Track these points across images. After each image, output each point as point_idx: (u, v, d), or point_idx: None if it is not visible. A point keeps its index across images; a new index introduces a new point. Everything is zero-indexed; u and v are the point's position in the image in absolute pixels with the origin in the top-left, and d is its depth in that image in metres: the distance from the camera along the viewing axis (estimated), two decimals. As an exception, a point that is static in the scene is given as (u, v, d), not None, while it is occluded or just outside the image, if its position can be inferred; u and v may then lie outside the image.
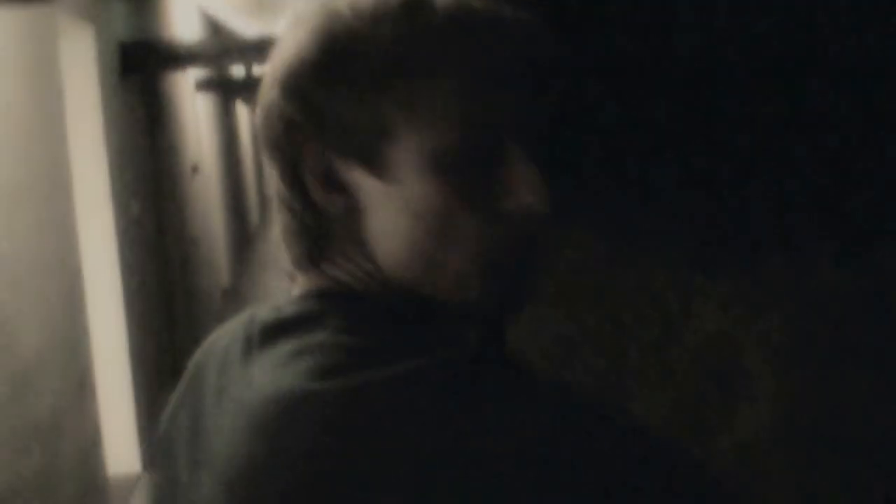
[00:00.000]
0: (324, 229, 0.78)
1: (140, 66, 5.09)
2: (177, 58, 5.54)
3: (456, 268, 0.74)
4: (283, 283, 7.73)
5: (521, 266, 0.74)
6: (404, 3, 0.73)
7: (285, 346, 0.74)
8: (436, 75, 0.72)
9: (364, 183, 0.75)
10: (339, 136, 0.75)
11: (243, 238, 12.90)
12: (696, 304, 1.57)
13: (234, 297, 9.51)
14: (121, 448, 4.61)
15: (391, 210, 0.74)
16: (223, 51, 5.83)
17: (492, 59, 0.72)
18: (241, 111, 14.48)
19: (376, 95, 0.73)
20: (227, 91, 10.78)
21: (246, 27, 11.90)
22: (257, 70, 11.04)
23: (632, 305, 1.59)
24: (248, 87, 11.50)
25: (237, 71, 12.54)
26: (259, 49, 5.76)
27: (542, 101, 0.74)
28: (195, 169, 8.08)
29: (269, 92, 0.78)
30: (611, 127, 1.57)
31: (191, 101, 8.17)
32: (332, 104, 0.74)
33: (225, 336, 0.84)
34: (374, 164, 0.74)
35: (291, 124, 0.76)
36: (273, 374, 0.73)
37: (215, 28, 10.77)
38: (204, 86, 8.97)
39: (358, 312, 0.77)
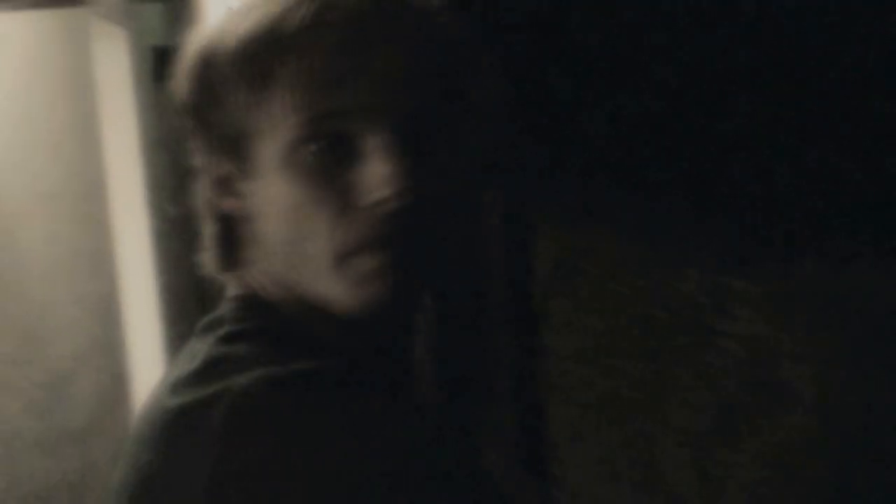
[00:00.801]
0: (229, 234, 0.76)
1: (173, 70, 5.10)
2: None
3: (318, 265, 0.69)
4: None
5: (392, 263, 0.69)
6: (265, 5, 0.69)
7: (186, 350, 0.76)
8: (278, 74, 0.68)
9: (247, 186, 0.73)
10: (215, 140, 0.73)
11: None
12: (731, 306, 1.54)
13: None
14: (156, 449, 4.62)
15: (266, 211, 0.72)
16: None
17: (332, 54, 0.67)
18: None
19: (233, 97, 0.69)
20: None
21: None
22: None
23: (665, 309, 1.57)
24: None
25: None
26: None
27: (411, 92, 0.68)
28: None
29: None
30: (641, 129, 1.55)
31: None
32: (200, 109, 0.72)
33: None
34: (245, 165, 0.72)
35: (189, 133, 0.76)
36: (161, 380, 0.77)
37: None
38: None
39: (246, 320, 0.76)
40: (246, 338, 0.74)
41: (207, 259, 0.78)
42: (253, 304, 0.78)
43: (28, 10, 2.32)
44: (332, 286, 0.70)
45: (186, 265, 5.55)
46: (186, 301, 5.91)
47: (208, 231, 0.77)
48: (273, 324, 0.76)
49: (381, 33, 0.67)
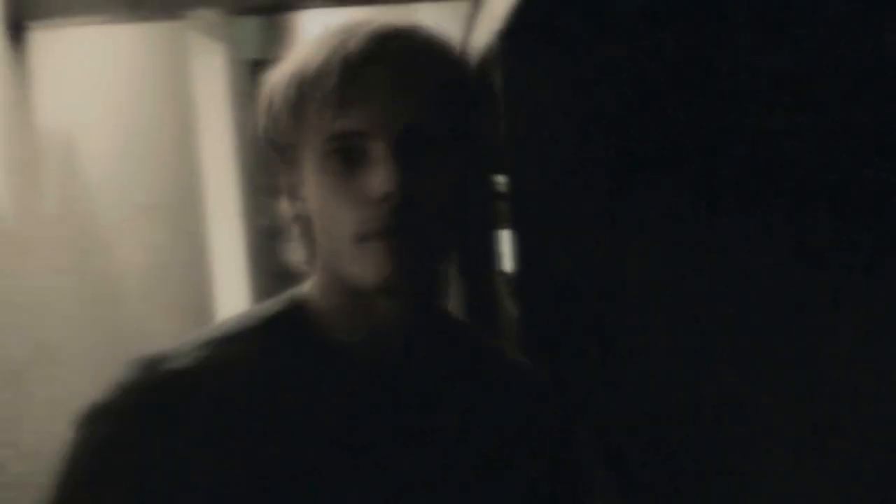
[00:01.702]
0: (303, 234, 0.96)
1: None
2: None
3: (343, 247, 0.89)
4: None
5: (397, 247, 0.87)
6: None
7: None
8: (309, 102, 0.88)
9: (304, 191, 0.92)
10: (280, 154, 0.93)
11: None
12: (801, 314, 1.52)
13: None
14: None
15: (312, 209, 0.91)
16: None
17: (344, 87, 0.86)
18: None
19: (284, 119, 0.91)
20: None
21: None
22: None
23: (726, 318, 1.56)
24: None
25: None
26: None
27: (404, 115, 0.86)
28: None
29: None
30: (701, 136, 1.53)
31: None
32: (268, 128, 0.93)
33: None
34: (300, 173, 0.92)
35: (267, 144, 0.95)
36: None
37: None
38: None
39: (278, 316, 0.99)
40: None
41: (294, 259, 0.99)
42: (293, 303, 1.00)
43: (128, 24, 2.36)
44: (354, 264, 0.89)
45: (279, 274, 5.59)
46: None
47: (290, 234, 0.98)
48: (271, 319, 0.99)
49: (376, 69, 0.87)
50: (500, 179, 5.66)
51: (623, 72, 1.94)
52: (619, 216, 2.03)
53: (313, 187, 0.90)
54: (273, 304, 1.01)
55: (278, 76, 0.91)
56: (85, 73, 2.54)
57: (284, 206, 0.95)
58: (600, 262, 2.19)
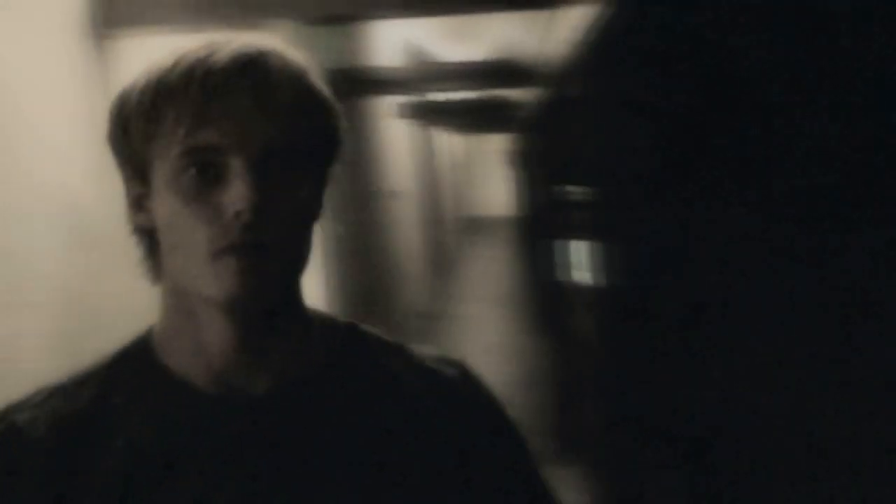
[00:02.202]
0: (149, 246, 0.94)
1: (345, 92, 5.22)
2: (380, 84, 5.64)
3: (197, 264, 0.88)
4: (475, 306, 7.79)
5: (250, 263, 0.87)
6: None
7: None
8: (164, 116, 0.87)
9: (151, 204, 0.91)
10: (128, 166, 0.92)
11: (443, 261, 13.05)
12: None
13: (431, 320, 9.58)
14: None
15: (161, 223, 0.91)
16: (425, 77, 5.88)
17: (201, 101, 0.85)
18: (441, 136, 14.72)
19: (136, 132, 0.89)
20: (426, 116, 10.94)
21: (447, 53, 12.07)
22: (457, 95, 11.17)
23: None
24: (447, 113, 11.64)
25: (437, 96, 12.76)
26: (460, 74, 5.78)
27: (261, 132, 0.86)
28: (394, 194, 8.23)
29: None
30: (787, 146, 1.49)
31: (391, 126, 8.34)
32: (117, 141, 0.92)
33: None
34: (149, 187, 0.91)
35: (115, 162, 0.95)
36: None
37: (417, 54, 10.96)
38: (405, 111, 9.12)
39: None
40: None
41: (142, 272, 0.97)
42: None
43: (207, 33, 2.40)
44: (208, 281, 0.88)
45: (353, 285, 5.63)
46: (354, 316, 6.03)
47: (136, 246, 0.96)
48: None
49: (239, 86, 0.87)
50: (573, 189, 5.61)
51: (703, 80, 1.91)
52: (700, 225, 2.00)
53: (163, 201, 0.89)
54: (126, 342, 1.00)
55: (132, 84, 0.90)
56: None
57: (129, 219, 0.94)
58: (679, 271, 2.15)
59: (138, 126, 0.89)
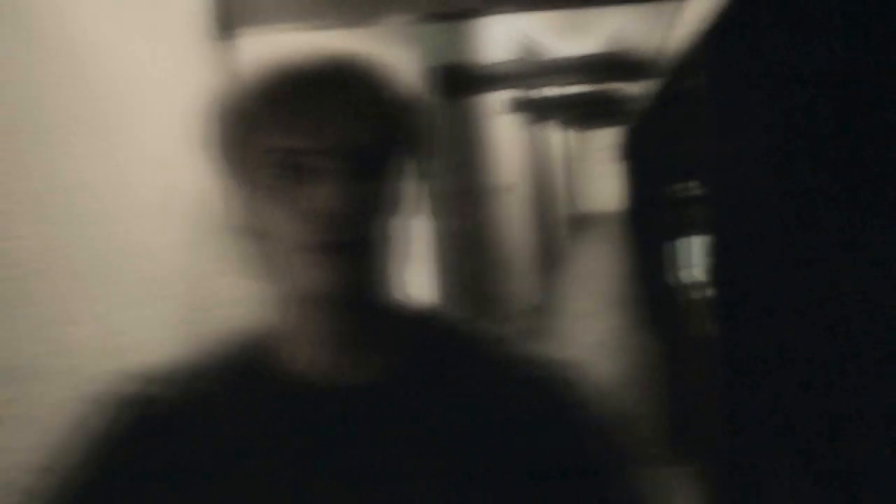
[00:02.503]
0: (251, 247, 0.98)
1: (459, 88, 5.23)
2: (493, 80, 5.64)
3: (290, 258, 0.93)
4: (584, 302, 7.72)
5: (339, 259, 0.91)
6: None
7: None
8: (260, 121, 0.93)
9: (252, 205, 0.96)
10: (229, 168, 0.97)
11: (552, 257, 13.01)
12: None
13: (542, 314, 9.58)
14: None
15: (262, 222, 0.95)
16: (537, 72, 5.86)
17: (289, 108, 0.92)
18: (552, 132, 14.65)
19: (236, 136, 0.95)
20: (538, 111, 10.91)
21: (559, 47, 12.00)
22: (569, 90, 11.10)
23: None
24: (559, 107, 11.58)
25: (548, 91, 12.70)
26: (572, 69, 5.74)
27: (348, 134, 0.91)
28: (508, 188, 8.22)
29: None
30: None
31: (502, 122, 8.34)
32: (219, 145, 0.98)
33: None
34: (248, 188, 0.95)
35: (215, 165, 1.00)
36: None
37: (529, 49, 10.94)
38: (517, 106, 9.11)
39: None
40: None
41: (244, 271, 1.02)
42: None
43: (329, 30, 2.43)
44: (301, 277, 0.93)
45: (465, 279, 5.65)
46: (462, 311, 6.07)
47: (237, 245, 1.01)
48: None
49: (326, 92, 0.93)
50: (686, 185, 5.51)
51: (827, 73, 1.86)
52: (822, 223, 1.95)
53: (260, 201, 0.95)
54: (243, 332, 1.06)
55: (231, 92, 0.97)
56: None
57: (237, 220, 0.99)
58: (799, 269, 2.10)
59: (234, 130, 0.96)
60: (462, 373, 1.01)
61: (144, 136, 1.82)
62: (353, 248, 0.92)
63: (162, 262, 1.84)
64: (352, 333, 0.98)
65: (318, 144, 0.91)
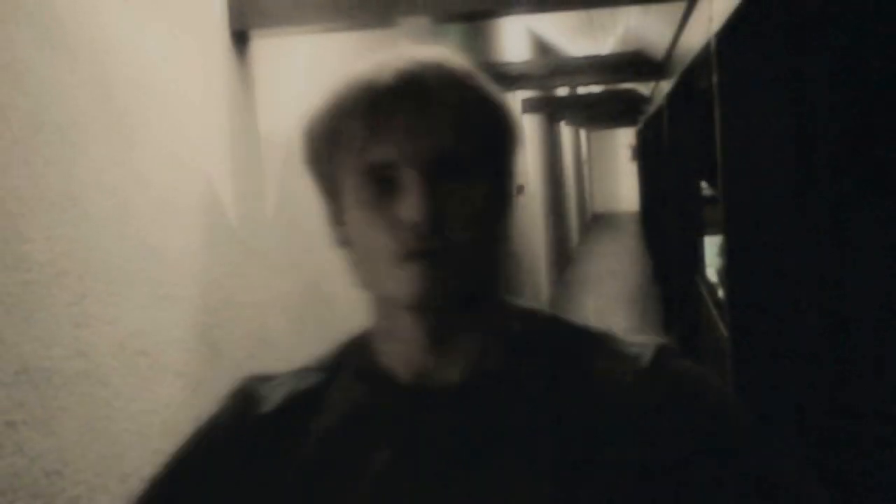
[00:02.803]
0: (350, 258, 1.01)
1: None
2: (507, 79, 5.63)
3: (383, 268, 0.95)
4: (600, 302, 7.73)
5: (430, 268, 0.93)
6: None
7: None
8: (346, 137, 0.94)
9: (346, 217, 0.99)
10: (322, 184, 1.00)
11: (563, 257, 12.99)
12: None
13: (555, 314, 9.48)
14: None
15: (354, 234, 0.98)
16: (552, 72, 5.85)
17: (374, 123, 0.92)
18: (564, 131, 14.64)
19: (324, 152, 0.97)
20: (552, 111, 10.91)
21: (574, 47, 12.01)
22: (582, 90, 11.09)
23: None
24: (572, 107, 11.57)
25: (563, 91, 12.70)
26: (586, 69, 5.72)
27: (431, 145, 0.92)
28: (520, 189, 8.21)
29: None
30: None
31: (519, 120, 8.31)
32: (310, 162, 1.00)
33: None
34: (340, 201, 0.98)
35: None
36: None
37: (544, 49, 10.93)
38: (530, 106, 9.11)
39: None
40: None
41: (351, 279, 1.03)
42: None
43: (343, 31, 2.44)
44: (393, 286, 0.95)
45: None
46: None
47: (344, 257, 1.03)
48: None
49: (404, 103, 0.92)
50: (706, 185, 5.48)
51: (844, 72, 1.85)
52: (838, 222, 1.94)
53: (352, 214, 0.97)
54: (354, 335, 1.09)
55: (317, 110, 0.98)
56: (303, 79, 2.63)
57: (330, 232, 1.02)
58: (818, 269, 2.09)
59: (323, 147, 0.98)
60: (561, 371, 1.00)
61: (162, 137, 1.82)
62: (444, 255, 0.93)
63: (177, 265, 1.85)
64: (445, 336, 0.99)
65: (398, 156, 0.92)
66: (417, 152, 0.92)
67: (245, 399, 1.06)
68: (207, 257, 1.98)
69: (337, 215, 1.00)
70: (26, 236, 1.41)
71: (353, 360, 1.06)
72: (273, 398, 1.05)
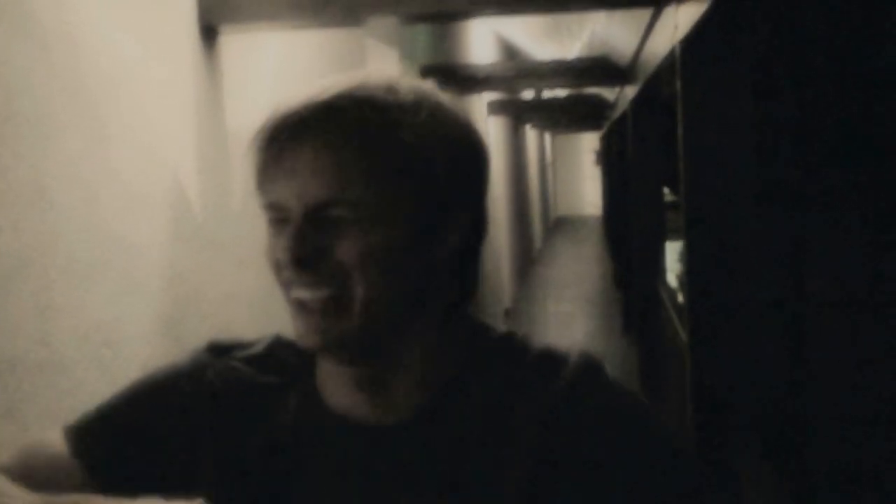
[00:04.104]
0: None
1: (440, 88, 5.26)
2: (474, 81, 5.65)
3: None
4: (562, 306, 7.74)
5: (311, 316, 0.91)
6: None
7: None
8: (255, 173, 0.93)
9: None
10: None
11: (526, 260, 13.03)
12: None
13: (516, 318, 9.59)
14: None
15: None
16: (517, 74, 5.87)
17: (266, 165, 0.91)
18: (529, 134, 14.69)
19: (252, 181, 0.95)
20: (517, 114, 10.95)
21: (540, 51, 12.06)
22: (548, 94, 11.13)
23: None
24: (537, 110, 11.61)
25: (527, 94, 12.73)
26: (552, 73, 5.75)
27: (312, 190, 0.88)
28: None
29: None
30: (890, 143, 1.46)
31: (483, 123, 8.36)
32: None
33: None
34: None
35: None
36: None
37: (510, 52, 10.97)
38: (496, 108, 9.14)
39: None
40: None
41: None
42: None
43: (311, 29, 2.45)
44: (294, 327, 0.94)
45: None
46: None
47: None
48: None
49: (302, 143, 0.89)
50: (668, 191, 5.53)
51: (806, 81, 1.89)
52: (799, 225, 1.97)
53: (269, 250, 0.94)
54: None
55: (249, 138, 0.96)
56: (270, 75, 2.63)
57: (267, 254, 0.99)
58: (779, 273, 2.13)
59: (252, 179, 0.95)
60: (503, 398, 0.94)
61: (131, 130, 1.83)
62: (331, 305, 0.89)
63: (143, 258, 1.85)
64: (365, 378, 0.94)
65: (285, 198, 0.89)
66: (299, 196, 0.88)
67: (202, 372, 1.01)
68: (173, 250, 1.98)
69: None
70: (-6, 225, 1.41)
71: (306, 372, 1.00)
72: (229, 382, 1.00)
